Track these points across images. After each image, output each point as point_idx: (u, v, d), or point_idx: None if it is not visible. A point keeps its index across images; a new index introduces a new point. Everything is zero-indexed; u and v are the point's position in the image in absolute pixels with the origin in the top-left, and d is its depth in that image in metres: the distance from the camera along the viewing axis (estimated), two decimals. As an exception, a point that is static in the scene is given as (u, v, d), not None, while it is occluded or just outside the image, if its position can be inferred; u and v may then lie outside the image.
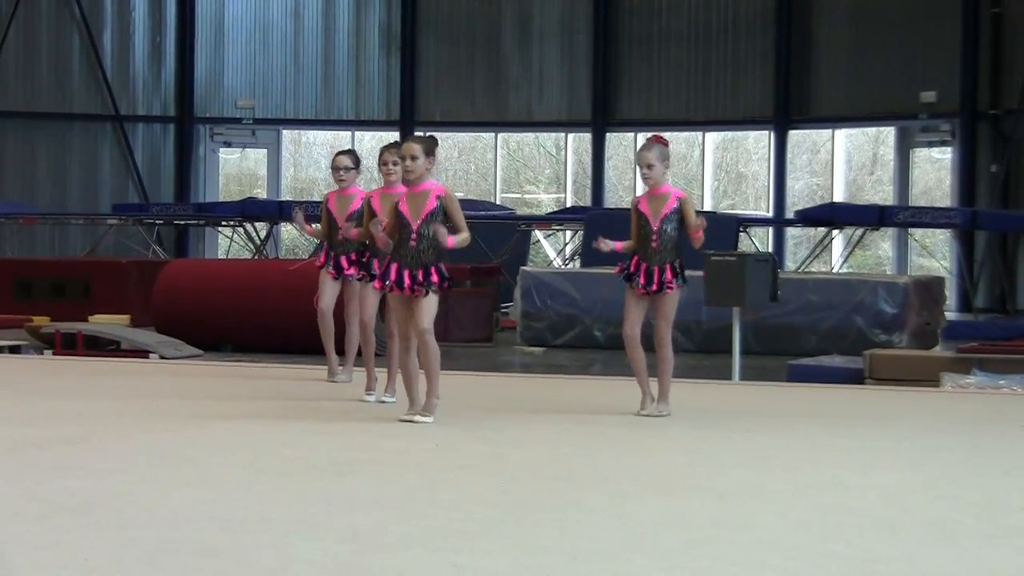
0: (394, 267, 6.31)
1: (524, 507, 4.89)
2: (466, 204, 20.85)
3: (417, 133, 7.30)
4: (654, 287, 6.64)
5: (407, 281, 6.24)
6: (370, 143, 25.34)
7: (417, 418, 6.26)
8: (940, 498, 5.20)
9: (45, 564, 3.53)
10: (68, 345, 11.60)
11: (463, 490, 5.26)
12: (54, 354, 11.46)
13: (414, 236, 6.27)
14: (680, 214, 6.60)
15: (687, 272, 7.80)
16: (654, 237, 6.61)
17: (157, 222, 21.82)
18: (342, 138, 25.57)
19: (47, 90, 22.98)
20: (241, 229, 21.50)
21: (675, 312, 6.83)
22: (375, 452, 5.78)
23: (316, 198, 20.56)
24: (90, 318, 13.84)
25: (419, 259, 6.25)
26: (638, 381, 6.84)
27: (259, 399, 8.21)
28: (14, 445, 6.14)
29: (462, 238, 6.44)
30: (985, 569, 3.92)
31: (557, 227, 21.68)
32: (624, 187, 24.53)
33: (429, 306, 6.25)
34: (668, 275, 6.61)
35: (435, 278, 6.23)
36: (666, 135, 16.69)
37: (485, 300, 15.98)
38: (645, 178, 6.66)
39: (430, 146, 6.31)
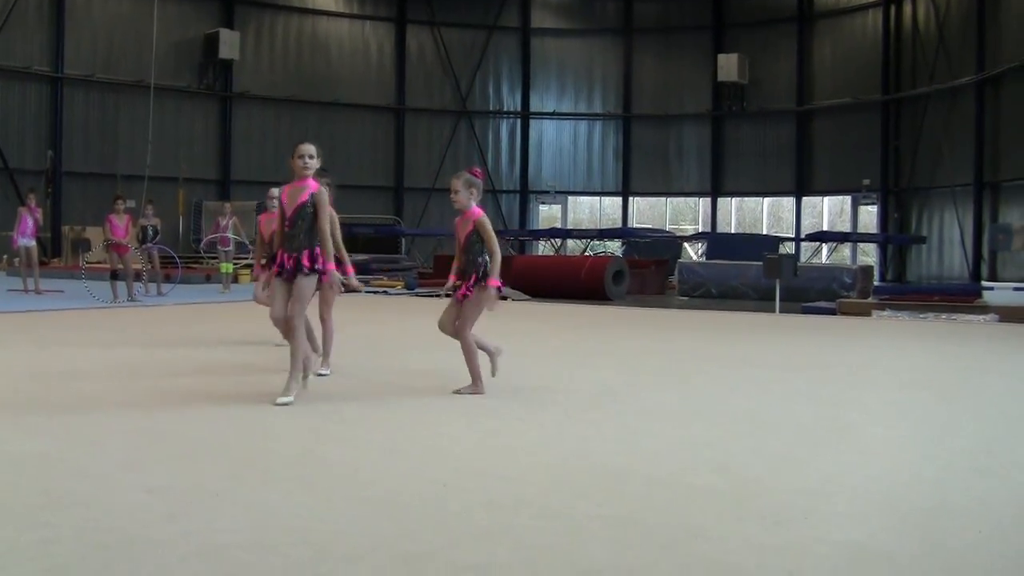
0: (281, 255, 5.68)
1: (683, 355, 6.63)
2: (654, 231, 26.69)
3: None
4: (461, 295, 6.01)
5: (290, 265, 5.58)
6: (608, 206, 33.41)
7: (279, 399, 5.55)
8: (874, 368, 6.57)
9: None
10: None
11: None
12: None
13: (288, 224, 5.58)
14: (478, 232, 5.95)
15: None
16: (464, 253, 6.04)
17: (509, 237, 27.68)
18: (595, 201, 33.23)
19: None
20: (549, 242, 28.59)
21: (477, 311, 6.04)
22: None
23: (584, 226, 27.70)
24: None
25: (296, 245, 5.62)
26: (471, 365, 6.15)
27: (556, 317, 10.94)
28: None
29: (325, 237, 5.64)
30: (888, 401, 5.13)
31: (694, 242, 27.15)
32: (728, 224, 30.84)
33: (301, 290, 5.56)
34: (471, 282, 5.98)
35: (306, 263, 5.53)
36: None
37: (661, 274, 19.72)
38: (453, 202, 5.99)
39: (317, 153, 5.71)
